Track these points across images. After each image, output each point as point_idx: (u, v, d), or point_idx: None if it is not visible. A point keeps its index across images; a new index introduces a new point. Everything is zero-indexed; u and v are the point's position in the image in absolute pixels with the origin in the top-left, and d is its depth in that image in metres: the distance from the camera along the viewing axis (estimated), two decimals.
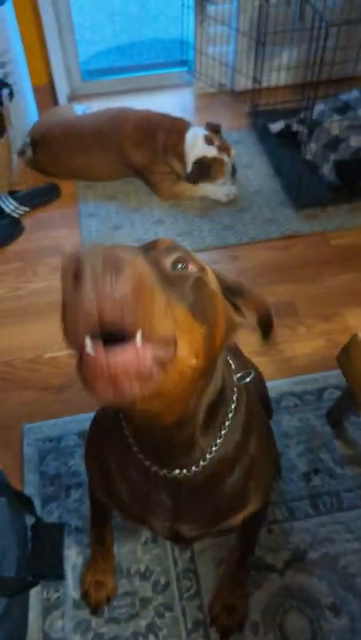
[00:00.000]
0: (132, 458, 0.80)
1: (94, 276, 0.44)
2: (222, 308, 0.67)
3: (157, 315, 0.49)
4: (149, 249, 0.63)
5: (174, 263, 0.59)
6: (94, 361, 0.47)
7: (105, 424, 0.92)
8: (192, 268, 0.61)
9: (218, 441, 0.78)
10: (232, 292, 0.74)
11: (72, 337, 0.48)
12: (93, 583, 1.28)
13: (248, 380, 0.83)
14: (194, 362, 0.57)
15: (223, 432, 0.78)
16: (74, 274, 0.45)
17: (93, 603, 1.27)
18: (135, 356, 0.47)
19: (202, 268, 0.63)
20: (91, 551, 1.31)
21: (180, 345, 0.53)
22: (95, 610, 1.27)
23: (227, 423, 0.78)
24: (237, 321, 0.74)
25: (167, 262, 0.59)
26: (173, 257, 0.60)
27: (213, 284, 0.66)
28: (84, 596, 1.29)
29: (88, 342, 0.47)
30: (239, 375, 0.83)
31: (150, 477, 0.80)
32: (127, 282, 0.45)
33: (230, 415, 0.79)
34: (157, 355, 0.50)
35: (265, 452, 0.94)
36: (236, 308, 0.75)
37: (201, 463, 0.77)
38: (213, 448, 0.77)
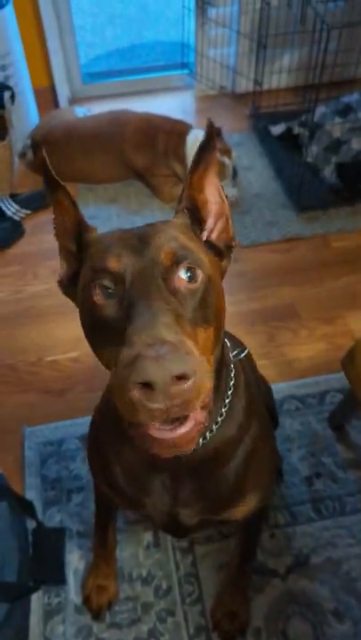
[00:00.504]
0: (130, 440, 0.80)
1: (163, 391, 0.52)
2: (221, 286, 0.73)
3: (207, 391, 0.57)
4: (156, 254, 0.65)
5: (184, 273, 0.65)
6: (162, 439, 0.58)
7: (105, 411, 0.94)
8: (198, 272, 0.66)
9: (219, 419, 0.80)
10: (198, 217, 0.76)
11: (134, 419, 0.56)
12: (95, 588, 1.28)
13: (243, 355, 0.87)
14: (212, 360, 0.68)
15: (224, 410, 0.80)
16: (142, 384, 0.53)
17: (95, 608, 1.27)
18: (193, 423, 0.58)
19: (202, 263, 0.67)
20: (93, 555, 1.31)
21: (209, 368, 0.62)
22: (97, 615, 1.27)
23: (227, 401, 0.81)
24: (225, 266, 0.78)
25: (180, 275, 0.65)
26: (183, 268, 0.65)
27: (211, 267, 0.70)
28: (86, 600, 1.28)
29: (155, 425, 0.57)
30: (235, 352, 0.86)
31: (150, 457, 0.79)
32: (188, 391, 0.54)
33: (230, 392, 0.81)
34: (203, 406, 0.59)
35: (266, 441, 0.95)
36: (216, 249, 0.76)
37: (201, 441, 0.78)
38: (214, 426, 0.79)
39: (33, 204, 2.33)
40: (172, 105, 2.89)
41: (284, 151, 2.51)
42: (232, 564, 1.26)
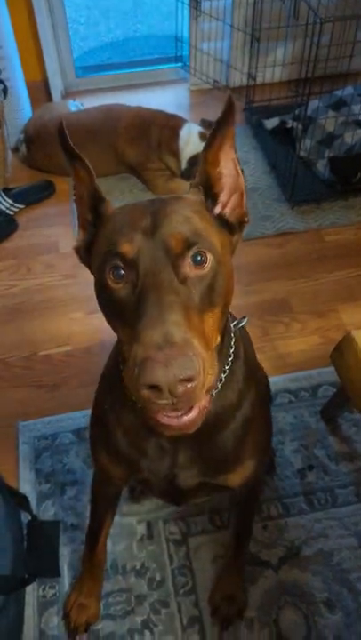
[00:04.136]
0: (131, 402, 0.82)
1: (170, 391, 0.57)
2: (231, 265, 0.74)
3: (211, 384, 0.63)
4: (167, 239, 0.66)
5: (194, 257, 0.66)
6: (169, 424, 0.63)
7: (108, 376, 0.96)
8: (208, 256, 0.67)
9: (219, 385, 0.81)
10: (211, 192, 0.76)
11: (145, 407, 0.61)
12: (77, 605, 1.25)
13: (243, 323, 0.88)
14: (217, 338, 0.70)
15: (224, 376, 0.82)
16: (150, 386, 0.57)
17: (72, 627, 1.25)
18: (197, 410, 0.64)
19: (212, 246, 0.68)
20: (82, 566, 1.29)
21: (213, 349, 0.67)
22: (73, 634, 1.25)
23: (227, 367, 0.82)
24: (236, 241, 0.78)
25: (188, 261, 0.66)
26: (192, 253, 0.66)
27: (221, 249, 0.71)
28: (66, 617, 1.27)
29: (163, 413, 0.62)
30: (235, 322, 0.87)
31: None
32: (193, 390, 0.58)
33: (230, 359, 0.83)
34: (207, 390, 0.63)
35: (263, 408, 0.97)
36: (228, 225, 0.76)
37: None
38: (214, 391, 0.80)
39: (26, 198, 2.33)
40: (165, 99, 2.88)
41: (277, 145, 2.51)
42: (229, 547, 1.27)
